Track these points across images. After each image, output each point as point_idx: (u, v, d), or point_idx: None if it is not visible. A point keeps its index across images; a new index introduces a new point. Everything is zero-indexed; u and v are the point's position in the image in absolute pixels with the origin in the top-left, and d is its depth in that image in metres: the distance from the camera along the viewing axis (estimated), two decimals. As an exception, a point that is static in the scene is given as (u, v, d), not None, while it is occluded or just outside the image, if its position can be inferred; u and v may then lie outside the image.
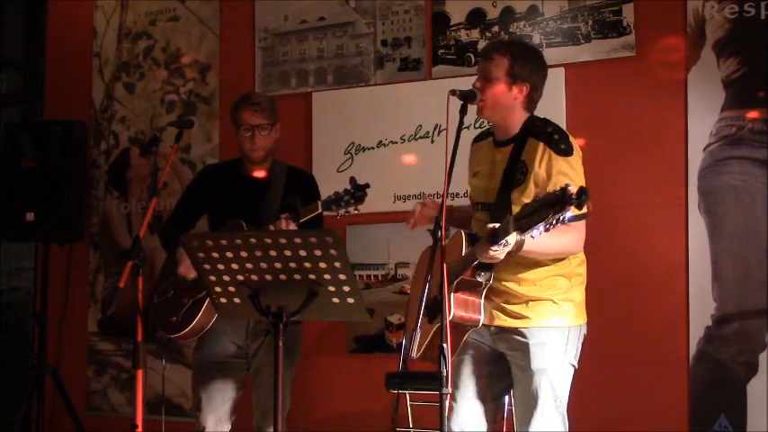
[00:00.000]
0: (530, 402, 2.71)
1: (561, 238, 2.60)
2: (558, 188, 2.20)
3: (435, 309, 2.62)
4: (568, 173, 2.64)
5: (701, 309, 3.72)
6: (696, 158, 3.76)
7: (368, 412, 4.18)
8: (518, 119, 2.79)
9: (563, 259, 2.76)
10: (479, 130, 3.07)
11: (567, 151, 2.67)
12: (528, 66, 2.78)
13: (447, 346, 2.30)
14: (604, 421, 3.76)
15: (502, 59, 2.76)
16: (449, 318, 2.58)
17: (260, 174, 3.48)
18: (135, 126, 5.04)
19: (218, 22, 4.84)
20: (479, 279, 2.66)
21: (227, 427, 3.39)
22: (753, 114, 3.68)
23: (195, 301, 3.25)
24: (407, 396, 3.90)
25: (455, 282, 2.63)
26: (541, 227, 2.24)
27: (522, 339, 2.72)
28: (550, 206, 2.20)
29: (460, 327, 2.71)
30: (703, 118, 3.75)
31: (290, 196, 3.22)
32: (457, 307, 2.63)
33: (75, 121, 4.88)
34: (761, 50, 3.67)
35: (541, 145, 2.68)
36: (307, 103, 4.55)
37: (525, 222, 2.29)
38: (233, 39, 4.80)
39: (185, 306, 3.28)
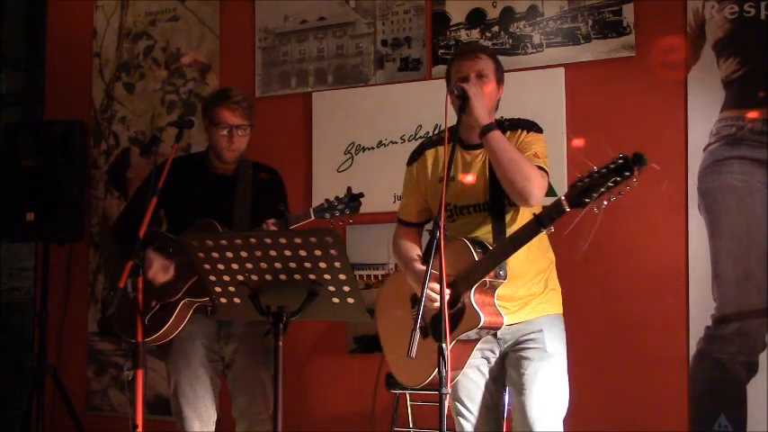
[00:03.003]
0: (542, 385, 2.70)
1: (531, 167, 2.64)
2: (614, 158, 2.29)
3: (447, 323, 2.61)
4: (535, 141, 2.74)
5: (701, 309, 3.71)
6: (696, 158, 3.76)
7: (368, 412, 4.18)
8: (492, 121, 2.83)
9: (549, 255, 2.84)
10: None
11: (538, 131, 2.78)
12: (502, 69, 2.87)
13: (446, 346, 2.29)
14: (604, 421, 3.76)
15: (488, 60, 2.81)
16: (480, 324, 2.60)
17: (227, 171, 3.38)
18: (135, 126, 5.04)
19: (218, 22, 4.84)
20: (499, 280, 2.65)
21: (212, 426, 3.37)
22: (753, 114, 3.68)
23: (164, 306, 3.19)
24: (407, 396, 3.91)
25: (476, 285, 2.62)
26: (603, 199, 2.33)
27: (534, 328, 2.74)
28: (613, 175, 2.29)
29: (482, 335, 2.70)
30: (703, 118, 3.75)
31: (279, 203, 3.15)
32: (485, 312, 2.61)
33: (75, 121, 4.88)
34: (761, 50, 3.67)
35: (517, 130, 2.76)
36: (307, 103, 4.55)
37: (584, 197, 2.35)
38: (233, 39, 4.80)
39: (153, 309, 3.19)
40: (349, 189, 3.14)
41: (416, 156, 2.96)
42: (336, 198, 3.13)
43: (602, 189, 2.33)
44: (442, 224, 2.41)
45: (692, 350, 3.72)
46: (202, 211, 3.24)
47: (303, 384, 4.38)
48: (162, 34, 5.00)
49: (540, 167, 2.67)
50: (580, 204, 2.38)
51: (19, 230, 4.75)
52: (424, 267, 2.74)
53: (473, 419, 2.81)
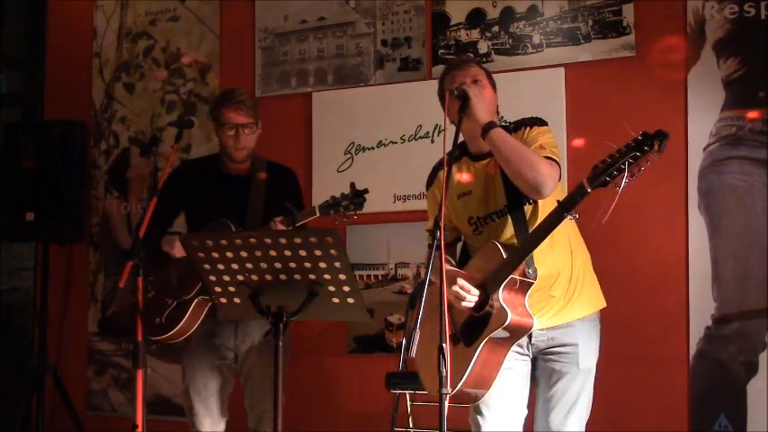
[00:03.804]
0: (569, 401, 2.73)
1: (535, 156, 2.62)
2: (635, 136, 2.33)
3: (473, 329, 2.60)
4: (541, 133, 2.73)
5: (701, 309, 3.72)
6: (696, 158, 3.76)
7: (368, 412, 4.18)
8: None
9: (583, 252, 2.84)
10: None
11: (540, 124, 2.78)
12: (493, 78, 2.87)
13: (446, 346, 2.29)
14: (604, 421, 3.75)
15: (479, 68, 2.84)
16: (506, 321, 2.57)
17: (240, 171, 3.41)
18: (135, 126, 5.04)
19: (218, 22, 4.84)
20: (529, 279, 2.62)
21: (222, 426, 3.40)
22: (753, 114, 3.68)
23: (180, 303, 3.21)
24: (407, 396, 3.91)
25: (504, 281, 2.60)
26: (624, 176, 2.35)
27: (570, 339, 2.74)
28: (633, 150, 2.32)
29: (511, 336, 2.66)
30: (703, 118, 3.75)
31: (287, 200, 3.16)
32: (513, 311, 2.58)
33: (75, 121, 4.88)
34: (761, 50, 3.68)
35: (521, 128, 2.77)
36: (307, 103, 4.55)
37: (605, 176, 2.37)
38: (233, 39, 4.80)
39: (169, 307, 3.23)
40: (352, 185, 3.15)
41: (432, 178, 2.97)
42: (342, 195, 3.15)
43: (623, 165, 2.35)
44: (441, 224, 2.41)
45: (692, 350, 3.72)
46: (218, 212, 3.27)
47: (303, 384, 4.38)
48: (162, 34, 5.00)
49: (549, 157, 2.64)
50: (601, 183, 2.40)
51: (19, 230, 4.75)
52: (457, 269, 2.75)
53: (492, 419, 2.78)
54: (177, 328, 3.21)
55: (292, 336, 3.53)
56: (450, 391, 2.32)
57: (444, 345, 2.29)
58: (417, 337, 2.33)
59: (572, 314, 2.75)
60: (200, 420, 3.34)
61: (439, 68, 4.26)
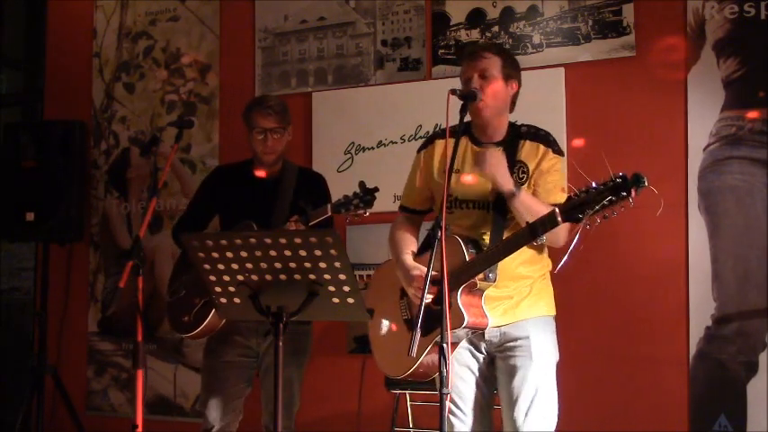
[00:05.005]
0: (529, 395, 2.72)
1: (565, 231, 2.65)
2: (613, 176, 2.31)
3: (430, 321, 2.59)
4: (560, 170, 2.76)
5: (701, 309, 3.71)
6: (696, 158, 3.76)
7: (368, 412, 4.18)
8: (505, 120, 2.83)
9: (544, 257, 2.84)
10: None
11: (560, 152, 2.79)
12: (514, 64, 2.85)
13: (447, 346, 2.29)
14: (604, 421, 3.76)
15: (494, 58, 2.79)
16: (463, 324, 2.60)
17: (271, 175, 3.48)
18: (135, 126, 5.04)
19: (218, 22, 4.84)
20: (488, 282, 2.66)
21: (235, 426, 3.42)
22: (753, 114, 3.68)
23: (207, 302, 3.25)
24: (407, 396, 3.91)
25: (464, 286, 2.62)
26: (597, 216, 2.35)
27: (521, 333, 2.74)
28: (609, 193, 2.31)
29: (463, 335, 2.71)
30: (703, 118, 3.75)
31: (301, 200, 3.22)
32: (470, 313, 2.61)
33: (75, 121, 4.89)
34: (761, 50, 3.67)
35: (541, 146, 2.76)
36: (307, 103, 4.55)
37: (577, 212, 2.37)
38: (233, 39, 4.80)
39: (197, 306, 3.29)
40: (362, 184, 3.17)
41: (426, 144, 2.97)
42: (353, 194, 3.18)
43: (597, 207, 2.34)
44: (443, 224, 2.41)
45: (692, 350, 3.72)
46: (247, 215, 3.32)
47: (303, 384, 4.38)
48: (162, 34, 5.00)
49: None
50: (574, 219, 2.40)
51: (19, 230, 4.76)
52: (415, 264, 2.77)
53: (465, 419, 2.80)
54: (202, 326, 3.27)
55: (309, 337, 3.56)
56: (449, 390, 2.32)
57: (444, 345, 2.29)
58: (417, 337, 2.33)
59: (524, 313, 2.76)
60: (214, 416, 3.36)
61: (439, 68, 4.27)
